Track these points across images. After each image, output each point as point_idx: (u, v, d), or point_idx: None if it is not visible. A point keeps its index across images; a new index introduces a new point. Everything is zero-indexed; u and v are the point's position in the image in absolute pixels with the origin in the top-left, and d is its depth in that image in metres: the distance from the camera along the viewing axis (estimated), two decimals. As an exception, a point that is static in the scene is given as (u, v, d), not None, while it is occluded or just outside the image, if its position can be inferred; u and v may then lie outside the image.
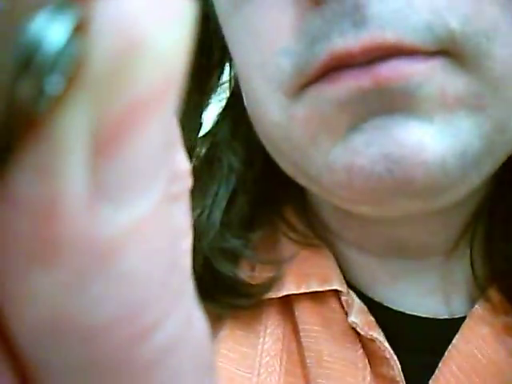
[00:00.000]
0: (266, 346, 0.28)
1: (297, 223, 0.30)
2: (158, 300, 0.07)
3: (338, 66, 0.21)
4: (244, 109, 0.28)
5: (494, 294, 0.27)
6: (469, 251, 0.27)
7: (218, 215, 0.29)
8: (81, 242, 0.06)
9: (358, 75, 0.20)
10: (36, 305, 0.06)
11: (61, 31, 0.06)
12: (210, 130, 0.32)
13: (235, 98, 0.30)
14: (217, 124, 0.32)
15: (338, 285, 0.28)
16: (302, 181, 0.26)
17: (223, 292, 0.28)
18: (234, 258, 0.29)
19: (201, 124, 0.32)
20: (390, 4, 0.20)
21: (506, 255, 0.27)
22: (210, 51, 0.31)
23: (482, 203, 0.27)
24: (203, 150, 0.32)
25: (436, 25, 0.20)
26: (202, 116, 0.32)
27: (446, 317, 0.28)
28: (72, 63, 0.06)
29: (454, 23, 0.20)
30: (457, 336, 0.26)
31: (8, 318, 0.07)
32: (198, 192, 0.30)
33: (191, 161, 0.32)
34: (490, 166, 0.23)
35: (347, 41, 0.20)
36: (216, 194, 0.29)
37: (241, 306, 0.29)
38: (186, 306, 0.08)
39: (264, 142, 0.27)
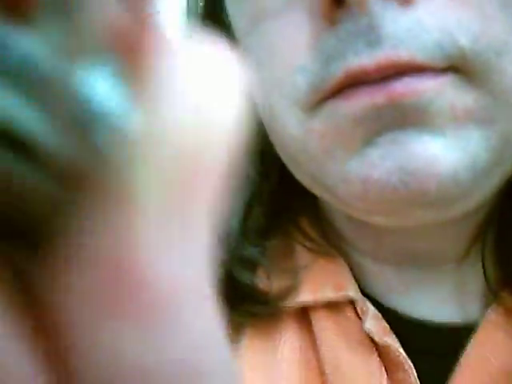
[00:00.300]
0: (284, 355, 0.29)
1: (311, 232, 0.31)
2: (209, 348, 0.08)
3: (353, 83, 0.22)
4: (258, 121, 0.28)
5: (507, 298, 0.27)
6: (481, 258, 0.28)
7: (235, 225, 0.30)
8: (150, 293, 0.06)
9: (373, 92, 0.21)
10: (102, 354, 0.07)
11: (122, 93, 0.06)
12: None
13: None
14: None
15: (353, 293, 0.28)
16: (317, 191, 0.27)
17: (242, 300, 0.29)
18: (252, 266, 0.30)
19: None
20: (402, 24, 0.21)
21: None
22: None
23: (492, 211, 0.27)
24: None
25: (446, 43, 0.21)
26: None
27: (460, 323, 0.28)
28: (137, 125, 0.06)
29: (464, 41, 0.21)
30: (471, 341, 0.27)
31: (72, 368, 0.07)
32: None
33: None
34: (498, 177, 0.24)
35: (362, 60, 0.21)
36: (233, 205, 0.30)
37: (259, 314, 0.29)
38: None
39: (281, 153, 0.28)
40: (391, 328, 0.28)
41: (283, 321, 0.29)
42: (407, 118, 0.21)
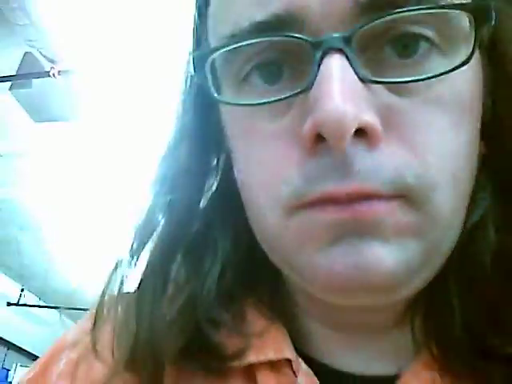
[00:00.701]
0: None
1: (267, 299, 0.37)
2: None
3: (326, 201, 0.27)
4: (234, 197, 0.34)
5: (425, 353, 0.34)
6: (410, 323, 0.35)
7: (212, 288, 0.35)
8: None
9: (341, 210, 0.27)
10: None
11: None
12: (204, 208, 0.38)
13: (227, 184, 0.36)
14: (210, 203, 0.38)
15: (290, 354, 0.34)
16: (286, 271, 0.33)
17: (203, 353, 0.34)
18: (218, 325, 0.35)
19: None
20: (368, 164, 0.26)
21: (437, 325, 0.34)
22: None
23: (420, 292, 0.33)
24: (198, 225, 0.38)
25: (397, 179, 0.27)
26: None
27: (389, 375, 0.34)
28: None
29: (410, 179, 0.27)
30: None
31: None
32: (193, 264, 0.37)
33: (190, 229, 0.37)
34: (428, 273, 0.30)
35: (336, 187, 0.26)
36: (208, 270, 0.36)
37: (212, 367, 0.34)
38: None
39: (258, 236, 0.33)
40: (326, 382, 0.33)
41: (232, 377, 0.35)
42: (364, 229, 0.27)
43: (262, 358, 0.34)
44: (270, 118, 0.29)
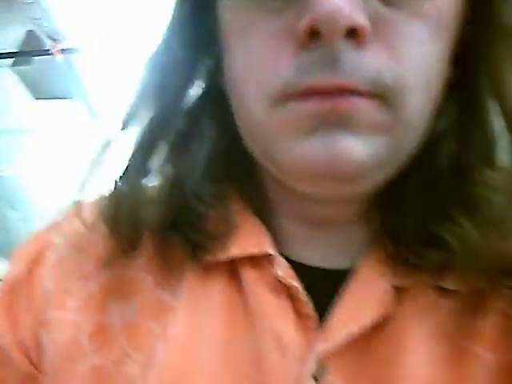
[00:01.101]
0: (214, 299, 0.37)
1: (248, 196, 0.41)
2: None
3: (312, 93, 0.31)
4: (220, 98, 0.38)
5: (382, 250, 0.38)
6: (368, 221, 0.39)
7: (198, 171, 0.39)
8: None
9: (323, 102, 0.31)
10: None
11: None
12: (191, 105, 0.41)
13: (213, 87, 0.40)
14: (196, 102, 0.41)
15: (270, 249, 0.37)
16: (264, 162, 0.37)
17: (193, 229, 0.38)
18: (204, 203, 0.38)
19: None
20: (354, 62, 0.31)
21: (393, 224, 0.38)
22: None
23: (381, 193, 0.38)
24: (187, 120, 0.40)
25: (377, 79, 0.31)
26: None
27: (348, 268, 0.38)
28: None
29: (388, 80, 0.31)
30: (352, 279, 0.37)
31: None
32: (181, 150, 0.40)
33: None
34: (390, 169, 0.35)
35: (324, 81, 0.31)
36: (195, 156, 0.39)
37: (201, 245, 0.38)
38: None
39: (241, 126, 0.37)
40: (296, 274, 0.37)
41: (216, 272, 0.38)
42: (340, 122, 0.31)
43: (245, 252, 0.37)
44: (269, 16, 0.32)
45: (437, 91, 0.35)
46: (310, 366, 0.34)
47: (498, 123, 0.37)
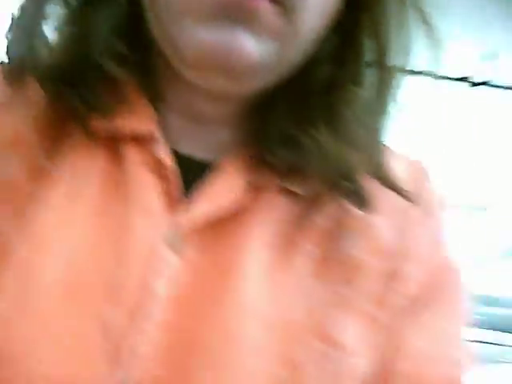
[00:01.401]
0: (96, 170, 0.39)
1: (142, 84, 0.42)
2: None
3: None
4: None
5: (246, 150, 0.41)
6: (242, 123, 0.42)
7: (101, 38, 0.39)
8: None
9: None
10: None
11: None
12: None
13: None
14: None
15: (155, 131, 0.39)
16: (163, 45, 0.38)
17: (86, 86, 0.38)
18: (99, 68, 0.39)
19: None
20: None
21: (262, 130, 0.41)
22: None
23: (258, 101, 0.42)
24: None
25: None
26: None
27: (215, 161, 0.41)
28: None
29: None
30: (213, 171, 0.40)
31: None
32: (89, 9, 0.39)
33: None
34: (274, 75, 0.38)
35: None
36: (103, 18, 0.39)
37: (91, 106, 0.38)
38: None
39: (150, 12, 0.38)
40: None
41: (99, 146, 0.40)
42: (243, 19, 0.34)
43: (131, 126, 0.39)
44: None
45: (328, 19, 0.38)
46: (167, 233, 0.38)
47: (368, 57, 0.42)
